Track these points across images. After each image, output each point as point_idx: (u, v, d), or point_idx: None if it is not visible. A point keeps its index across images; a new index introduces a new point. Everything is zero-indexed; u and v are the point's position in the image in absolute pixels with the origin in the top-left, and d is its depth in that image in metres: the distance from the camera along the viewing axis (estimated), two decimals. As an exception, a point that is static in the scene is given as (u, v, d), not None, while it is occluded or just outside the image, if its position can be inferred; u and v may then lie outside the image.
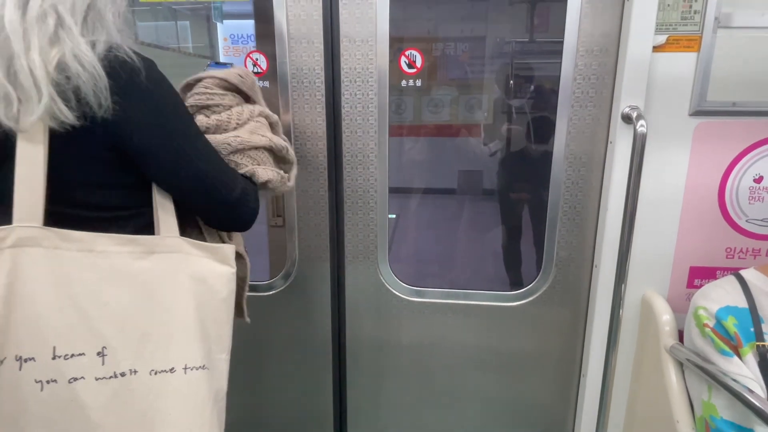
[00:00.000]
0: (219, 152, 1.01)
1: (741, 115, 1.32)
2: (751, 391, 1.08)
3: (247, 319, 1.24)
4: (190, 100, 1.10)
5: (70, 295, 0.85)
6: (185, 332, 0.94)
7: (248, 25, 1.65)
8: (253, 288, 1.62)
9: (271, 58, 1.53)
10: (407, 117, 1.77)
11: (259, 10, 1.59)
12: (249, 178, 1.04)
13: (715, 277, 1.41)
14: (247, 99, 1.19)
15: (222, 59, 1.73)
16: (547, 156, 1.51)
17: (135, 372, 0.89)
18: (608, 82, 1.40)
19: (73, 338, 0.85)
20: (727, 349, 1.15)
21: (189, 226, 1.02)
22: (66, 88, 0.79)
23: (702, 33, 1.28)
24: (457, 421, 1.78)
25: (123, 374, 0.88)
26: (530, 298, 1.62)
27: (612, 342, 1.39)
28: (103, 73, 0.80)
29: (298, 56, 1.50)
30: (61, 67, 0.79)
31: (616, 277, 1.36)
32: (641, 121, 1.27)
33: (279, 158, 1.17)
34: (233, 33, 1.70)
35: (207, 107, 1.09)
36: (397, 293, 1.67)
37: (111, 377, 0.87)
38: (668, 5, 1.27)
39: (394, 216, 1.71)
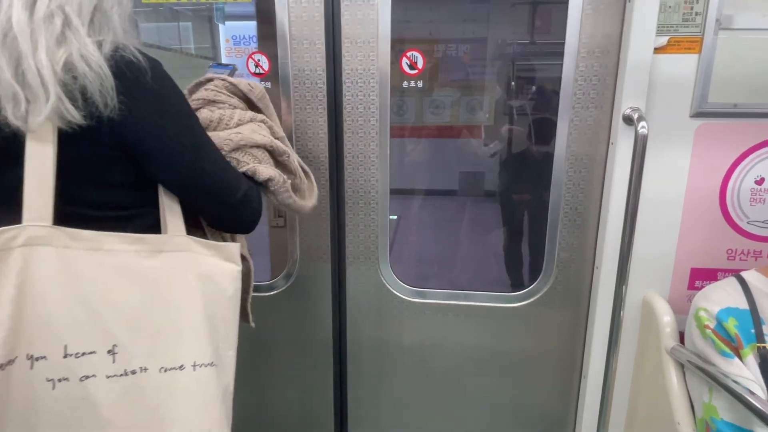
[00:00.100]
0: (221, 151, 1.02)
1: (742, 116, 1.32)
2: (751, 393, 1.08)
3: (252, 324, 1.25)
4: (199, 94, 1.12)
5: (80, 293, 0.86)
6: (194, 330, 0.94)
7: (250, 27, 1.65)
8: (254, 288, 1.62)
9: (273, 59, 1.53)
10: (409, 118, 1.77)
11: (261, 11, 1.59)
12: (251, 178, 1.05)
13: (716, 279, 1.41)
14: (252, 107, 1.20)
15: (224, 60, 1.74)
16: (548, 157, 1.51)
17: (145, 369, 0.90)
18: (609, 84, 1.41)
19: (83, 337, 0.86)
20: (727, 350, 1.15)
21: (193, 228, 1.02)
22: (73, 87, 0.79)
23: (703, 35, 1.28)
24: (457, 422, 1.78)
25: (133, 372, 0.89)
26: (531, 299, 1.62)
27: (613, 343, 1.39)
28: (109, 73, 0.80)
29: (300, 57, 1.50)
30: (68, 66, 0.79)
31: (617, 279, 1.36)
32: (642, 123, 1.27)
33: (280, 164, 1.17)
34: (235, 34, 1.70)
35: (213, 102, 1.11)
36: (398, 294, 1.67)
37: (122, 375, 0.88)
38: (669, 7, 1.27)
39: (395, 217, 1.71)
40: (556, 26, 1.47)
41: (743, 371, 1.12)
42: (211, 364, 0.96)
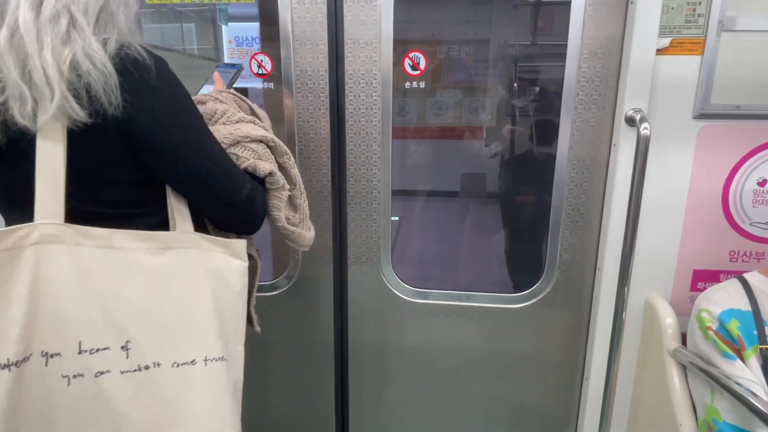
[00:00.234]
0: (224, 149, 1.02)
1: (745, 118, 1.32)
2: (754, 395, 1.08)
3: (257, 328, 1.25)
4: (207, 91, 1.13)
5: (92, 290, 0.86)
6: (204, 325, 0.95)
7: (253, 28, 1.66)
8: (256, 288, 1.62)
9: (276, 59, 1.54)
10: (411, 119, 1.77)
11: (264, 12, 1.60)
12: (253, 175, 1.05)
13: (718, 281, 1.41)
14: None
15: (227, 61, 1.74)
16: (551, 158, 1.51)
17: (158, 365, 0.91)
18: (612, 85, 1.41)
19: (97, 333, 0.87)
20: (730, 352, 1.15)
21: (198, 228, 1.03)
22: (78, 86, 0.80)
23: (706, 36, 1.28)
24: (459, 423, 1.78)
25: (147, 367, 0.90)
26: (533, 301, 1.62)
27: (615, 345, 1.39)
28: (113, 71, 0.81)
29: (303, 58, 1.50)
30: (74, 65, 0.80)
31: (619, 280, 1.35)
32: (645, 124, 1.27)
33: (282, 168, 1.16)
34: (238, 35, 1.70)
35: (218, 100, 1.12)
36: (399, 294, 1.67)
37: (135, 370, 0.89)
38: (672, 8, 1.28)
39: (396, 218, 1.71)
40: (558, 27, 1.47)
41: (745, 373, 1.12)
42: (222, 359, 0.97)
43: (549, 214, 1.55)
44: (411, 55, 1.52)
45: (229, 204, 0.98)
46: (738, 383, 1.11)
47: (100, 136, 0.84)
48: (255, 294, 1.22)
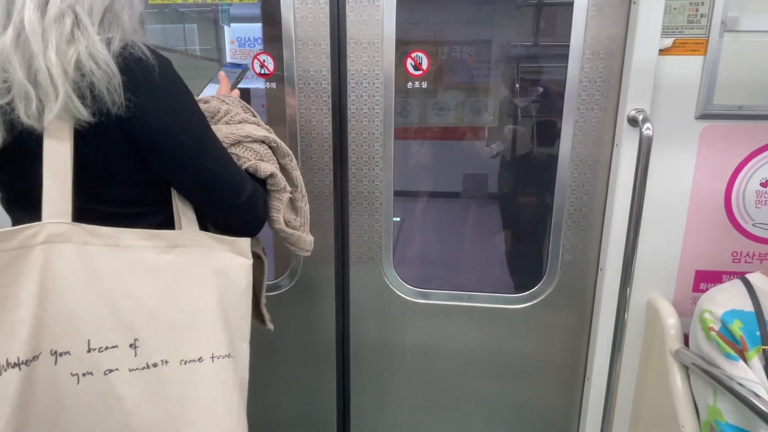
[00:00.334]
0: (227, 150, 1.02)
1: (748, 118, 1.32)
2: (757, 396, 1.07)
3: (270, 326, 1.25)
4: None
5: (100, 289, 0.87)
6: (210, 323, 0.96)
7: (255, 29, 1.66)
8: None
9: (278, 60, 1.54)
10: (412, 120, 1.77)
11: (266, 12, 1.60)
12: (254, 176, 1.05)
13: (721, 281, 1.41)
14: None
15: (232, 61, 1.74)
16: (553, 159, 1.51)
17: (166, 362, 0.91)
18: (614, 85, 1.40)
19: (105, 331, 0.87)
20: (732, 353, 1.15)
21: (203, 227, 1.03)
22: (82, 85, 0.80)
23: (708, 36, 1.28)
24: (460, 423, 1.78)
25: (155, 365, 0.91)
26: (535, 301, 1.62)
27: (617, 345, 1.39)
28: (116, 71, 0.81)
29: (305, 58, 1.50)
30: (78, 65, 0.80)
31: (621, 281, 1.35)
32: (647, 124, 1.27)
33: (284, 170, 1.16)
34: (240, 36, 1.71)
35: (224, 101, 1.13)
36: (401, 295, 1.67)
37: (144, 368, 0.90)
38: (674, 9, 1.27)
39: (397, 219, 1.71)
40: (560, 28, 1.47)
41: (748, 374, 1.12)
42: (228, 356, 0.98)
43: (551, 215, 1.55)
44: (413, 55, 1.52)
45: (230, 205, 0.98)
46: (741, 384, 1.11)
47: (104, 135, 0.84)
48: (265, 293, 1.22)
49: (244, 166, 1.04)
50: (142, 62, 0.84)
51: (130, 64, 0.83)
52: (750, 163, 1.35)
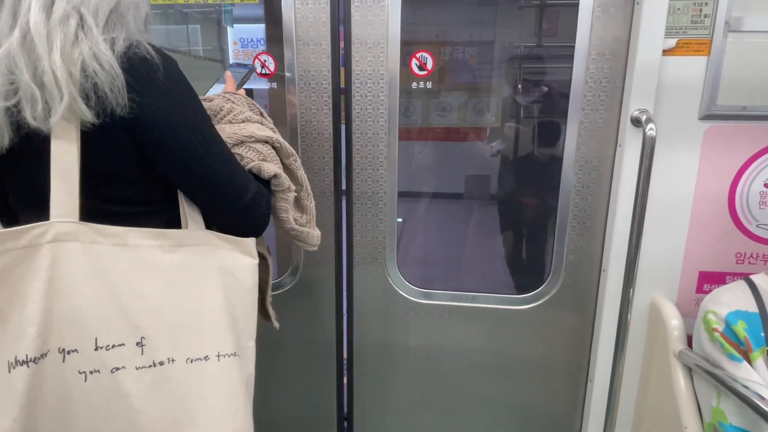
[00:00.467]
0: (231, 151, 1.02)
1: (751, 119, 1.32)
2: (761, 397, 1.07)
3: (276, 324, 1.26)
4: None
5: (108, 288, 0.87)
6: (216, 321, 0.97)
7: (258, 29, 1.66)
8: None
9: (280, 60, 1.54)
10: (415, 120, 1.78)
11: (269, 13, 1.60)
12: (257, 177, 1.05)
13: (724, 283, 1.40)
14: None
15: (238, 61, 1.74)
16: (556, 160, 1.51)
17: (172, 361, 0.92)
18: (620, 86, 1.40)
19: (112, 330, 0.88)
20: (736, 354, 1.14)
21: (209, 226, 1.03)
22: (86, 86, 0.80)
23: (712, 37, 1.28)
24: (463, 424, 1.78)
25: (161, 363, 0.91)
26: (539, 302, 1.62)
27: (620, 347, 1.39)
28: (120, 72, 0.81)
29: (306, 58, 1.51)
30: (82, 66, 0.81)
31: (624, 282, 1.35)
32: (650, 125, 1.27)
33: (287, 169, 1.16)
34: (243, 37, 1.71)
35: (229, 100, 1.13)
36: (404, 295, 1.67)
37: (150, 366, 0.90)
38: (678, 9, 1.27)
39: (400, 220, 1.71)
40: (563, 29, 1.47)
41: (752, 375, 1.12)
42: (234, 354, 0.98)
43: (554, 216, 1.55)
44: (418, 55, 1.52)
45: (233, 205, 0.98)
46: (744, 386, 1.10)
47: (110, 135, 0.85)
48: (270, 291, 1.23)
49: (248, 167, 1.04)
50: (147, 62, 0.84)
51: (134, 64, 0.83)
52: (754, 164, 1.34)
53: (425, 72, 1.54)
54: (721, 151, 1.34)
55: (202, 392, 0.95)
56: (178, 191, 0.96)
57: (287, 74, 1.53)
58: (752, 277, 1.25)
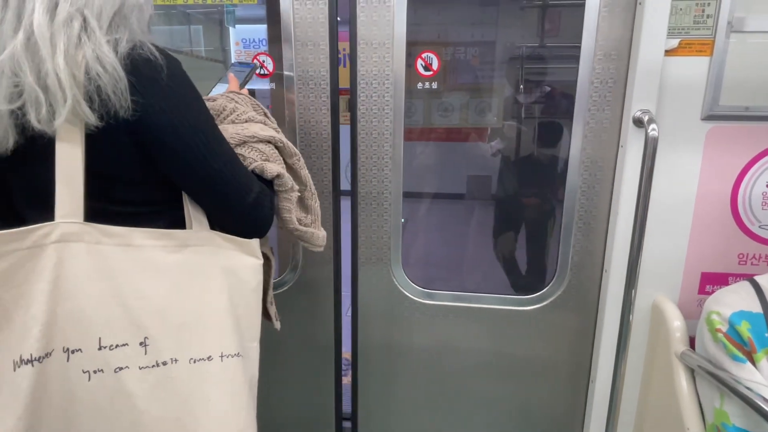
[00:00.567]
0: (234, 151, 1.02)
1: (754, 120, 1.31)
2: (764, 399, 1.07)
3: (277, 324, 1.26)
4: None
5: (112, 288, 0.88)
6: (220, 322, 0.97)
7: (260, 30, 1.66)
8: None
9: (280, 60, 1.54)
10: (417, 121, 1.78)
11: (271, 14, 1.60)
12: (260, 177, 1.05)
13: (727, 284, 1.40)
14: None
15: (241, 60, 1.75)
16: (559, 160, 1.51)
17: (176, 361, 0.92)
18: (623, 86, 1.40)
19: (116, 330, 0.88)
20: (739, 354, 1.14)
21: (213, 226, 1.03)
22: (89, 89, 0.80)
23: (715, 37, 1.28)
24: (466, 425, 1.77)
25: (165, 363, 0.91)
26: (544, 303, 1.62)
27: (622, 348, 1.38)
28: (123, 75, 0.81)
29: (304, 58, 1.51)
30: (85, 69, 0.81)
31: (626, 282, 1.35)
32: (653, 125, 1.27)
33: (291, 169, 1.16)
34: (245, 37, 1.71)
35: (233, 99, 1.13)
36: (409, 295, 1.67)
37: (153, 366, 0.90)
38: (680, 9, 1.27)
39: (402, 220, 1.71)
40: (565, 29, 1.46)
41: (755, 376, 1.11)
42: (238, 355, 0.98)
43: (559, 217, 1.55)
44: (424, 55, 1.53)
45: (236, 206, 0.98)
46: (748, 387, 1.10)
47: (113, 137, 0.85)
48: (272, 291, 1.23)
49: (251, 167, 1.03)
50: (150, 63, 0.84)
51: (138, 65, 0.83)
52: (756, 165, 1.34)
53: (431, 72, 1.54)
54: (724, 152, 1.34)
55: (205, 392, 0.95)
56: (183, 192, 0.96)
57: (286, 74, 1.53)
58: (756, 278, 1.25)
